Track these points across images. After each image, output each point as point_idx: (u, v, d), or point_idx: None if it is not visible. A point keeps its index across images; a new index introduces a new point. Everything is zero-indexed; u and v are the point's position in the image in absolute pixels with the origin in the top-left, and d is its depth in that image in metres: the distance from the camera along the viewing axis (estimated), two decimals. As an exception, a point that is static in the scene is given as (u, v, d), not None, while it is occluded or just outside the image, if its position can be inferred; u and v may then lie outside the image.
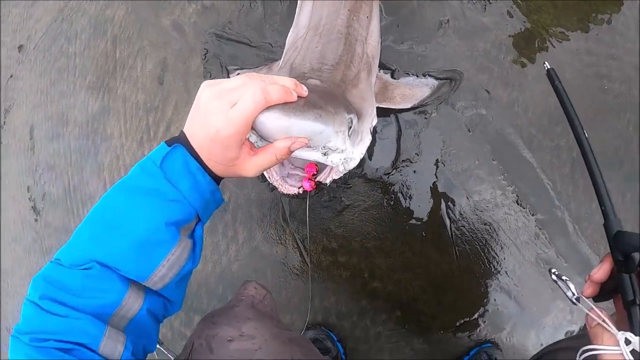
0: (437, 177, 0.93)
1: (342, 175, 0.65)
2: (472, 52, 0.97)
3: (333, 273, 0.93)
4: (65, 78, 1.21)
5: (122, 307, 0.43)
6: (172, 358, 0.69)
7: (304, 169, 0.68)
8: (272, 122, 0.46)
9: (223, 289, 1.00)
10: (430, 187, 0.92)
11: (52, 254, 1.27)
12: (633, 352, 0.37)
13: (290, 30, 0.83)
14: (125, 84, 1.10)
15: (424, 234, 0.91)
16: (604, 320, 0.39)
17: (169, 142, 0.46)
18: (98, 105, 1.14)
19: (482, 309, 0.92)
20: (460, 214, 0.92)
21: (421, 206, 0.92)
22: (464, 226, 0.92)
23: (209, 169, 0.47)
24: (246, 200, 0.98)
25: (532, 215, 0.93)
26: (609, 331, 0.39)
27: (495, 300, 0.92)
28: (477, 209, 0.92)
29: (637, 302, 0.38)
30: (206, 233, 1.02)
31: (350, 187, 0.93)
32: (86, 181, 1.16)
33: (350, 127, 0.58)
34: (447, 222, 0.91)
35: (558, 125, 0.96)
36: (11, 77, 1.34)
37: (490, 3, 0.99)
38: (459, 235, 0.91)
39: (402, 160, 0.92)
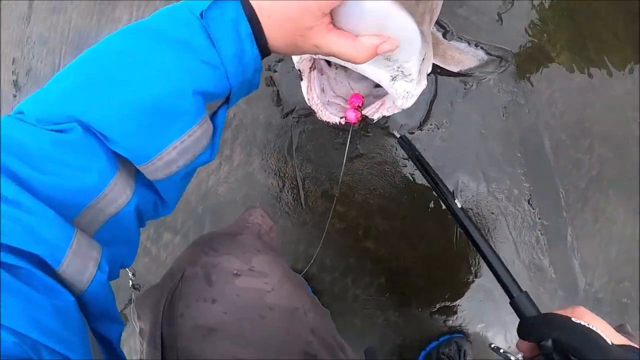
0: (459, 152, 0.88)
1: (392, 113, 0.58)
2: (526, 39, 0.92)
3: (327, 221, 0.86)
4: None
5: (103, 197, 0.30)
6: (131, 275, 0.56)
7: (346, 100, 0.61)
8: (380, 6, 0.37)
9: (203, 211, 0.91)
10: (450, 159, 0.87)
11: None
12: None
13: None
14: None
15: (432, 205, 0.86)
16: None
17: None
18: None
19: (465, 298, 0.88)
20: (472, 196, 0.87)
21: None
22: (471, 209, 0.88)
23: (265, 38, 0.35)
24: (253, 120, 0.88)
25: (539, 218, 0.91)
26: None
27: (479, 292, 0.89)
28: (489, 196, 0.88)
29: None
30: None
31: (370, 135, 0.86)
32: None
33: (423, 58, 0.51)
34: (458, 200, 0.87)
35: (587, 139, 0.94)
36: None
37: None
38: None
39: (430, 124, 0.86)
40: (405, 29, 0.41)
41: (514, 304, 0.40)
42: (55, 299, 0.24)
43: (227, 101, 0.37)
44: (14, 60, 1.16)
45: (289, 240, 0.86)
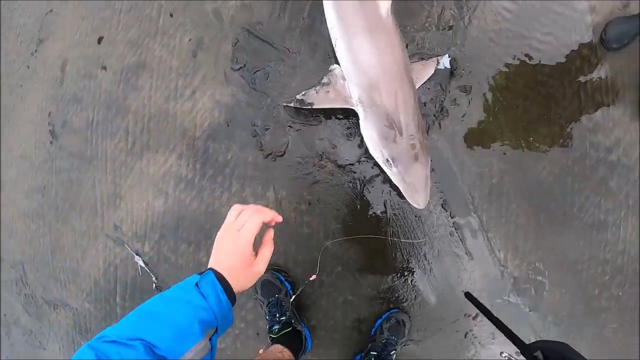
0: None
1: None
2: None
3: (297, 229, 1.23)
4: (107, 28, 1.41)
5: None
6: (154, 279, 0.91)
7: None
8: None
9: (210, 227, 1.27)
10: (378, 177, 1.25)
11: (61, 174, 1.48)
12: None
13: (348, 60, 1.10)
14: (163, 48, 1.34)
15: (372, 214, 1.24)
16: None
17: (200, 273, 0.65)
18: (135, 59, 1.36)
19: (402, 279, 1.25)
20: (397, 203, 1.25)
21: (371, 192, 1.24)
22: (397, 214, 1.25)
23: (230, 288, 0.65)
24: (244, 161, 1.26)
25: (452, 217, 1.27)
26: None
27: (414, 274, 1.25)
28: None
29: None
30: (207, 180, 1.28)
31: (325, 167, 1.24)
32: (110, 119, 1.38)
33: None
34: (388, 208, 1.24)
35: (485, 158, 1.31)
36: (51, 11, 1.51)
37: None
38: (394, 219, 1.24)
39: (364, 158, 1.24)
40: None
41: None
42: None
43: (216, 331, 0.63)
44: (49, 113, 1.47)
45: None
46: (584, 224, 1.25)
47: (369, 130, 1.10)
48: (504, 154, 1.25)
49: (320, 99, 1.18)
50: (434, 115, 1.24)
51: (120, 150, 1.36)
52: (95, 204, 1.38)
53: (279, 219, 0.72)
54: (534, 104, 1.25)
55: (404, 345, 1.23)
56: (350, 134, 1.23)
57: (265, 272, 1.12)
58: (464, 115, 1.24)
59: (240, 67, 1.29)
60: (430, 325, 1.26)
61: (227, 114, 1.29)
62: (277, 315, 1.16)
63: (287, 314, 1.16)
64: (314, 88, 1.18)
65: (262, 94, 1.27)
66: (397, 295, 1.25)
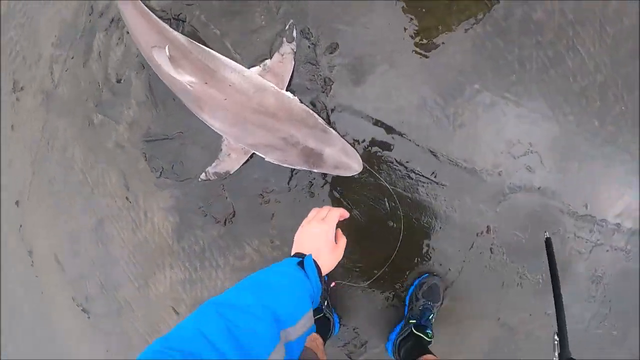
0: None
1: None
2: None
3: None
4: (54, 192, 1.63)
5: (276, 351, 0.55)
6: None
7: None
8: None
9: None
10: (317, 176, 1.31)
11: (111, 336, 1.67)
12: None
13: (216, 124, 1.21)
14: (105, 197, 1.52)
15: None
16: None
17: (294, 256, 0.74)
18: (94, 219, 1.56)
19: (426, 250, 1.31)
20: (350, 187, 1.30)
21: (321, 192, 1.31)
22: (354, 197, 1.31)
23: (320, 270, 0.73)
24: (212, 238, 1.40)
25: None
26: None
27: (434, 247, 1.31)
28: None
29: None
30: (200, 270, 1.44)
31: (269, 201, 1.33)
32: (110, 273, 1.57)
33: None
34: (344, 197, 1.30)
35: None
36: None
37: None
38: (355, 201, 1.30)
39: (296, 171, 1.31)
40: None
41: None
42: None
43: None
44: (73, 298, 1.72)
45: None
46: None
47: (274, 160, 1.19)
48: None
49: (229, 164, 1.29)
50: (322, 90, 1.27)
51: (134, 291, 1.56)
52: (145, 338, 1.60)
53: (347, 214, 0.86)
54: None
55: (441, 305, 1.28)
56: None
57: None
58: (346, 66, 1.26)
59: (161, 172, 1.42)
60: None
61: (177, 212, 1.43)
62: None
63: (319, 299, 1.24)
64: (217, 159, 1.30)
65: (188, 179, 1.40)
66: (421, 265, 1.30)
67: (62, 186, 1.60)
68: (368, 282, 1.34)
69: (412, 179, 1.29)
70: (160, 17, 1.32)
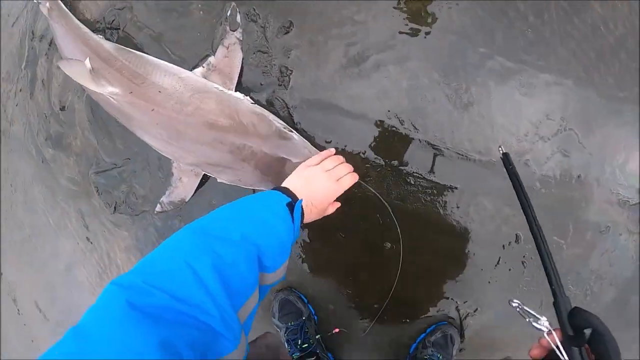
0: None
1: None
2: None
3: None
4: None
5: (253, 296, 0.51)
6: None
7: None
8: None
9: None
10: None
11: None
12: None
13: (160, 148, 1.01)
14: (67, 240, 1.36)
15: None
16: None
17: (283, 191, 0.69)
18: (63, 266, 1.40)
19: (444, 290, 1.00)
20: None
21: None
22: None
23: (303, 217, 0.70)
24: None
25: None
26: None
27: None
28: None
29: None
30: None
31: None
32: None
33: None
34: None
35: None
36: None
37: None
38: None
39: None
40: None
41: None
42: None
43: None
44: None
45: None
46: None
47: (227, 181, 0.97)
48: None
49: (182, 191, 1.07)
50: (280, 83, 1.00)
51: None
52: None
53: (356, 179, 0.84)
54: None
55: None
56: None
57: (283, 290, 1.08)
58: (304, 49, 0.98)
59: (115, 207, 1.23)
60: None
61: (139, 251, 1.24)
62: (299, 342, 0.99)
63: (311, 341, 0.99)
64: (170, 186, 1.08)
65: (144, 212, 1.18)
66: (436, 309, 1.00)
67: (30, 230, 1.47)
68: (370, 326, 1.04)
69: (410, 183, 0.97)
70: (95, 30, 1.13)
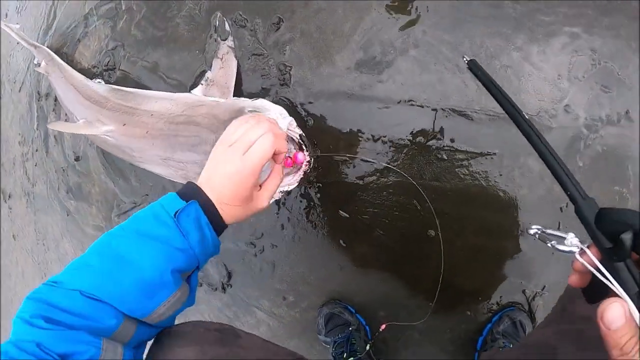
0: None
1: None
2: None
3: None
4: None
5: (119, 333, 0.44)
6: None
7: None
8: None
9: None
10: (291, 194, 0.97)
11: None
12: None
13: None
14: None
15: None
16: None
17: (183, 195, 0.50)
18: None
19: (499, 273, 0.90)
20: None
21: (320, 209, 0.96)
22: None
23: (221, 218, 0.52)
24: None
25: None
26: None
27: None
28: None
29: None
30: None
31: (263, 250, 1.01)
32: None
33: None
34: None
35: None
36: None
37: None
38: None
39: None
40: None
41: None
42: None
43: (197, 268, 0.51)
44: None
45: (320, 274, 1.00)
46: None
47: None
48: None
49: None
50: (281, 82, 0.94)
51: None
52: None
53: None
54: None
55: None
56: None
57: (327, 304, 0.96)
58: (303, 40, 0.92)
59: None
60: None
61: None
62: (345, 355, 0.88)
63: (359, 354, 0.87)
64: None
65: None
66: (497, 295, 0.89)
67: (68, 286, 1.47)
68: (424, 319, 0.93)
69: (443, 159, 0.88)
70: (93, 75, 1.14)
